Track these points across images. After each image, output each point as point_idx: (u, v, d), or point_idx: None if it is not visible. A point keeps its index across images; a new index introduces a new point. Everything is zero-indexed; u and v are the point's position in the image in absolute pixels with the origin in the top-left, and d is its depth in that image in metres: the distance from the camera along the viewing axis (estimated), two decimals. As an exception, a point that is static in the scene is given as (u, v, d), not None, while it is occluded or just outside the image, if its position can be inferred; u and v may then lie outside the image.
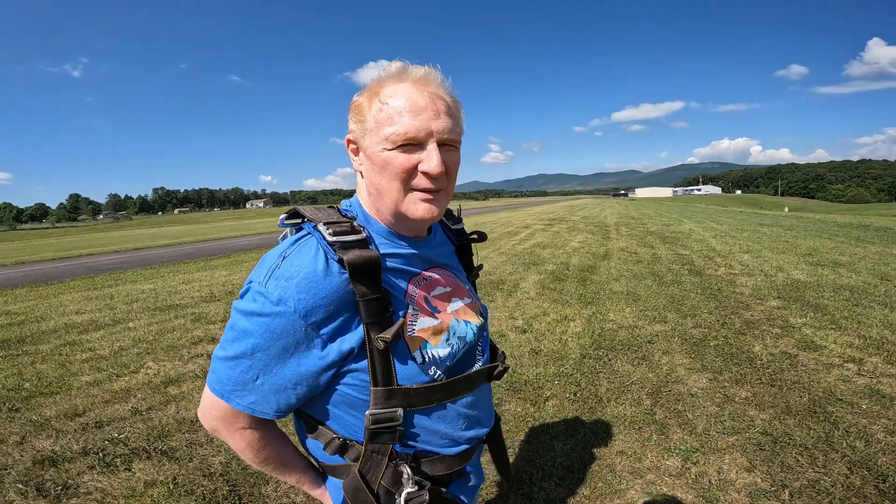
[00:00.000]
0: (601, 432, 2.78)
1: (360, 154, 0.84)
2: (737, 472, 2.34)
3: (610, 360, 3.85)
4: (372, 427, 0.80)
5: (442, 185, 0.81)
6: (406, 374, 0.81)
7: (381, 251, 0.83)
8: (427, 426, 0.86)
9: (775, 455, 2.46)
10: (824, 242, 10.49)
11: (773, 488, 2.21)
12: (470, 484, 0.98)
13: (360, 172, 0.86)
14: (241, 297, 0.80)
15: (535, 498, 2.25)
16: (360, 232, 0.79)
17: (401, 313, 0.82)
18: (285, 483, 2.39)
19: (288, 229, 0.87)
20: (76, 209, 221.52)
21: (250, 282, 0.79)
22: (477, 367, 0.94)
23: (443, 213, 0.85)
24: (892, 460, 2.35)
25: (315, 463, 0.97)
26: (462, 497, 0.97)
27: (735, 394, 3.17)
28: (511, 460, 2.53)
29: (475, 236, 1.08)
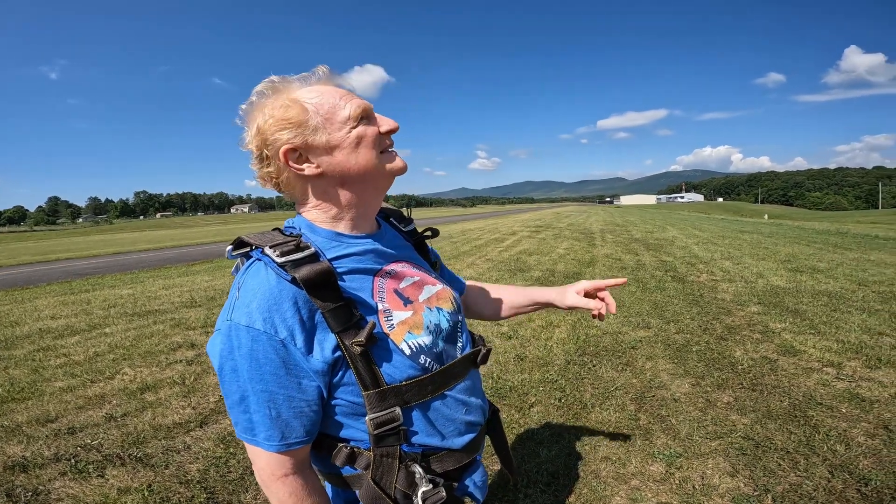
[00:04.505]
0: (586, 438, 2.77)
1: (314, 156, 0.82)
2: (720, 476, 2.35)
3: (594, 366, 3.85)
4: (376, 432, 0.80)
5: None
6: (394, 370, 0.81)
7: (335, 254, 0.84)
8: (430, 419, 0.86)
9: (757, 459, 2.47)
10: (803, 249, 10.70)
11: (755, 493, 2.21)
12: (480, 479, 0.99)
13: (311, 177, 0.84)
14: (213, 344, 0.78)
15: (519, 505, 2.23)
16: (307, 248, 0.79)
17: (370, 315, 0.82)
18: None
19: (238, 260, 0.86)
20: (55, 212, 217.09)
21: (220, 325, 0.78)
22: (460, 353, 0.94)
23: None
24: (873, 464, 2.38)
25: (322, 476, 0.96)
26: (474, 493, 0.98)
27: (717, 399, 3.19)
28: (499, 467, 2.51)
29: (428, 233, 1.11)
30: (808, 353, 3.92)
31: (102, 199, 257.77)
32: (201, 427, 3.04)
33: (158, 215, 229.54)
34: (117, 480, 2.48)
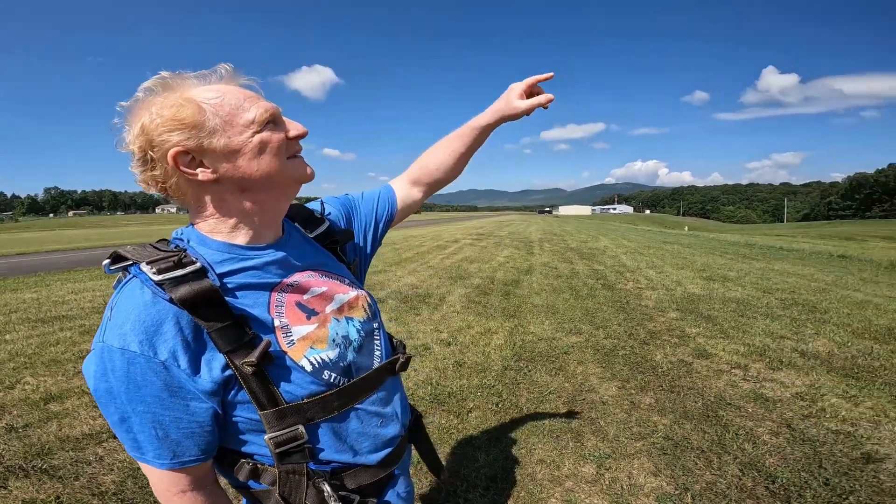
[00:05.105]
0: (522, 442, 2.84)
1: (210, 161, 0.75)
2: (644, 476, 2.48)
3: (530, 371, 3.96)
4: (278, 451, 0.77)
5: None
6: (294, 387, 0.77)
7: (227, 269, 0.78)
8: (339, 435, 0.82)
9: (677, 459, 2.64)
10: (716, 259, 11.62)
11: (676, 492, 2.36)
12: (404, 490, 0.96)
13: (205, 183, 0.77)
14: (87, 364, 0.72)
15: (455, 512, 2.24)
16: (190, 264, 0.73)
17: (267, 333, 0.77)
18: None
19: (120, 273, 0.78)
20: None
21: (94, 346, 0.72)
22: (376, 363, 0.90)
23: None
24: (778, 461, 2.59)
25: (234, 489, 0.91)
26: None
27: (640, 400, 3.38)
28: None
29: (341, 236, 1.02)
30: (718, 356, 4.25)
31: (8, 195, 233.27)
32: (115, 438, 2.82)
33: (71, 213, 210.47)
34: (21, 492, 2.32)
